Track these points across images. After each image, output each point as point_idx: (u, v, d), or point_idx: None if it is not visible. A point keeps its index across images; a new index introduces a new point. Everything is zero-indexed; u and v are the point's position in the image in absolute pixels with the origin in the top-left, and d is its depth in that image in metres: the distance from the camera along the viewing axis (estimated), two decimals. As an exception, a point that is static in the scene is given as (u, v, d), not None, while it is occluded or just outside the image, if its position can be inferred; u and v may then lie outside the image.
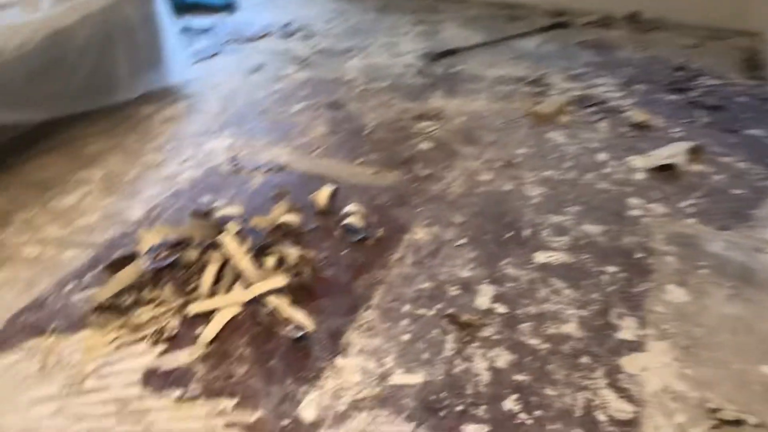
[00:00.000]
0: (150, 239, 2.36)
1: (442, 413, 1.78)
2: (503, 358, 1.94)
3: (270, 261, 2.25)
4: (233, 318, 2.08)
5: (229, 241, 2.26)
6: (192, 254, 2.26)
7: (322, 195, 2.62)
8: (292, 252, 2.28)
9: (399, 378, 1.88)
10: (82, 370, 1.91)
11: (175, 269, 2.24)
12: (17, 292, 2.21)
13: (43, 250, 2.41)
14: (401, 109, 3.37)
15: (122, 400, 1.81)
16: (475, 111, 3.33)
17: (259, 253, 2.27)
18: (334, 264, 2.31)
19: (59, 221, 2.57)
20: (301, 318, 2.07)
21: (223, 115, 3.36)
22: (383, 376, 1.89)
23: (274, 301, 2.13)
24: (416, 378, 1.88)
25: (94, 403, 1.80)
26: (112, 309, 2.09)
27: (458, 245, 2.39)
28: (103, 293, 2.15)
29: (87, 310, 2.10)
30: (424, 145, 3.04)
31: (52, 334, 2.03)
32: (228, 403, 1.80)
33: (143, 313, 2.09)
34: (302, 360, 1.94)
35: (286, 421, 1.76)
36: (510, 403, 1.81)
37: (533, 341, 2.00)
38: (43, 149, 3.05)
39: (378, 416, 1.77)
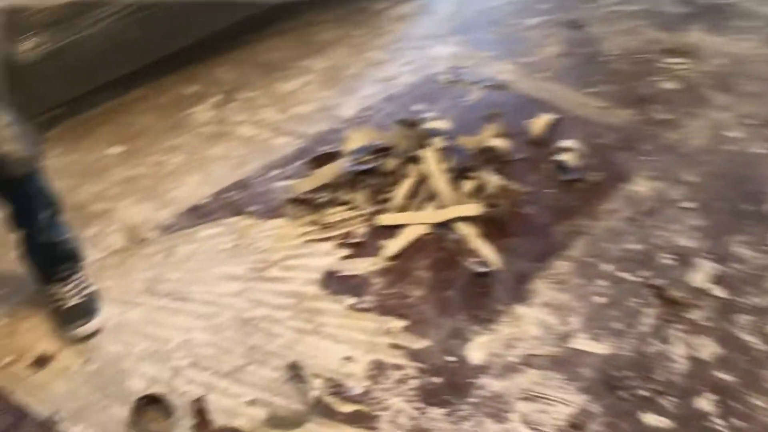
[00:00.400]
0: (356, 140, 2.33)
1: (621, 393, 1.59)
2: (708, 349, 1.68)
3: (468, 185, 2.12)
4: (419, 237, 2.01)
5: (430, 156, 2.15)
6: (392, 163, 2.20)
7: (539, 123, 2.40)
8: (493, 180, 2.13)
9: (582, 343, 1.71)
10: (270, 257, 1.96)
11: (373, 176, 2.20)
12: (229, 168, 2.31)
13: (258, 132, 2.48)
14: (650, 38, 2.97)
15: (299, 294, 1.84)
16: (739, 53, 2.84)
17: (458, 175, 2.15)
18: (536, 202, 2.12)
19: (277, 106, 2.62)
20: (488, 253, 1.94)
21: (453, 21, 3.19)
22: (564, 337, 1.72)
23: (463, 228, 2.01)
24: (601, 348, 1.69)
25: (273, 292, 1.85)
26: (308, 203, 2.11)
27: (684, 207, 2.08)
28: (302, 186, 2.17)
29: (285, 200, 2.14)
30: (668, 85, 2.66)
31: (250, 215, 2.10)
32: (397, 323, 1.76)
33: (335, 214, 2.09)
34: (480, 298, 1.83)
35: (451, 358, 1.67)
36: (704, 403, 1.57)
37: (750, 338, 1.70)
38: (276, 31, 3.11)
39: (549, 378, 1.63)
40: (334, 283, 1.88)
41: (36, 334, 1.74)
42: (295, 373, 1.63)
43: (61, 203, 1.75)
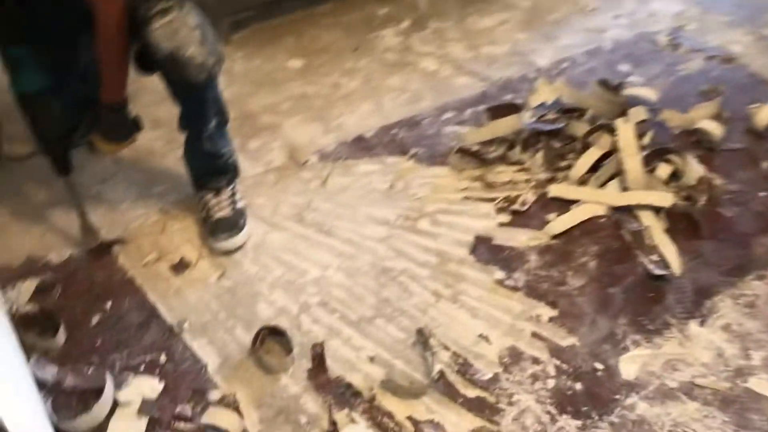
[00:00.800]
0: (544, 95, 2.09)
1: (799, 460, 1.31)
2: None
3: (663, 170, 1.83)
4: (592, 218, 1.77)
5: (625, 129, 1.87)
6: (580, 128, 1.94)
7: (767, 111, 2.02)
8: (695, 169, 1.82)
9: (761, 385, 1.42)
10: (423, 207, 1.82)
11: (555, 138, 1.96)
12: (402, 101, 2.17)
13: (440, 68, 2.31)
14: None
15: (445, 255, 1.69)
16: None
17: (654, 156, 1.86)
18: (742, 204, 1.80)
19: (467, 42, 2.43)
20: (670, 253, 1.67)
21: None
22: (740, 372, 1.44)
23: (647, 219, 1.74)
24: (786, 398, 1.40)
25: (418, 246, 1.72)
26: (476, 156, 1.93)
27: None
28: (474, 135, 1.99)
29: (452, 147, 1.97)
30: None
31: (411, 158, 1.96)
32: (545, 312, 1.56)
33: (503, 173, 1.90)
34: (650, 304, 1.58)
35: (599, 365, 1.46)
36: None
37: None
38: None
39: (710, 416, 1.37)
40: (485, 250, 1.71)
41: (182, 237, 1.75)
42: (423, 339, 1.50)
43: (227, 114, 1.72)
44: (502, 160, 1.93)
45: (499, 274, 1.65)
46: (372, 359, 1.48)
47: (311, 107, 2.15)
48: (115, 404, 1.39)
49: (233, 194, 1.76)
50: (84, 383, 1.41)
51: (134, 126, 1.69)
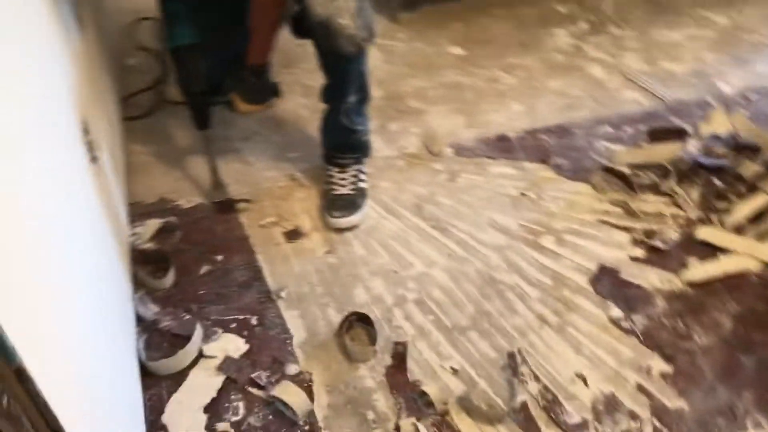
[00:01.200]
0: (718, 125, 1.87)
1: None
2: None
3: (844, 235, 1.57)
4: (741, 273, 1.56)
5: (806, 179, 1.62)
6: (750, 169, 1.71)
7: None
8: None
9: None
10: (551, 223, 1.69)
11: (720, 175, 1.74)
12: (558, 107, 2.04)
13: (609, 77, 2.14)
14: None
15: (561, 278, 1.57)
16: None
17: (836, 217, 1.60)
18: None
19: (646, 54, 2.23)
20: (828, 333, 1.42)
21: None
22: None
23: (808, 287, 1.50)
24: None
25: (535, 264, 1.60)
26: (624, 179, 1.77)
27: None
28: (628, 156, 1.82)
29: (599, 165, 1.82)
30: None
31: (552, 168, 1.83)
32: (658, 365, 1.40)
33: (650, 203, 1.72)
34: (786, 385, 1.36)
35: (707, 439, 1.28)
36: None
37: None
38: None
39: None
40: (608, 283, 1.56)
41: (303, 205, 1.76)
42: (514, 363, 1.40)
43: (369, 92, 1.70)
44: (653, 188, 1.75)
45: (616, 312, 1.50)
46: (455, 372, 1.40)
47: (461, 98, 2.08)
48: (200, 355, 1.43)
49: (358, 173, 1.74)
50: (177, 328, 1.46)
51: (273, 91, 1.72)
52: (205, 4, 1.60)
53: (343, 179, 1.72)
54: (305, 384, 1.39)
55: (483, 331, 1.47)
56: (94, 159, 1.32)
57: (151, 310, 1.50)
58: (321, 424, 1.32)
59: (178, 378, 1.40)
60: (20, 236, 0.80)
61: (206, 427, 1.32)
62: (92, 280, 1.18)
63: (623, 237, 1.65)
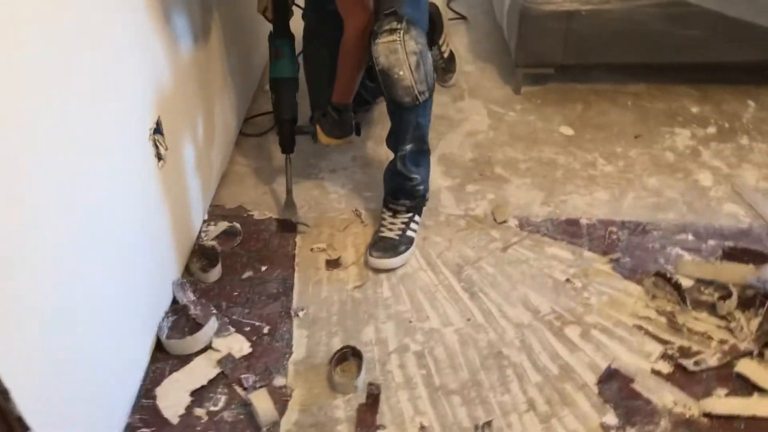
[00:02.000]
0: (812, 258, 1.69)
1: None
2: None
3: None
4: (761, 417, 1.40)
5: None
6: (825, 313, 1.53)
7: None
8: None
9: None
10: (584, 315, 1.64)
11: (788, 312, 1.58)
12: (644, 204, 1.95)
13: (715, 187, 2.01)
14: None
15: (569, 371, 1.51)
16: None
17: None
18: None
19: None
20: None
21: None
22: None
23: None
24: None
25: (548, 350, 1.56)
26: (678, 289, 1.65)
27: None
28: (692, 269, 1.72)
29: (658, 270, 1.72)
30: None
31: (610, 262, 1.77)
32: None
33: (700, 322, 1.60)
34: None
35: None
36: None
37: None
38: None
39: None
40: (616, 389, 1.48)
41: (354, 240, 1.87)
42: (482, 437, 1.38)
43: (427, 144, 1.78)
44: (709, 308, 1.63)
45: (612, 420, 1.42)
46: (423, 428, 1.41)
47: (549, 175, 2.07)
48: (209, 346, 1.58)
49: (409, 221, 1.81)
50: (201, 318, 1.63)
51: (352, 129, 1.86)
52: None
53: (393, 224, 1.80)
54: (284, 398, 1.48)
55: (467, 398, 1.47)
56: (159, 156, 1.54)
57: (187, 297, 1.68)
58: (280, 437, 1.40)
59: (184, 360, 1.56)
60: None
61: (186, 408, 1.47)
62: (123, 255, 1.39)
63: (655, 348, 1.56)
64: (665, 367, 1.51)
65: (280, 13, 1.85)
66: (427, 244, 1.85)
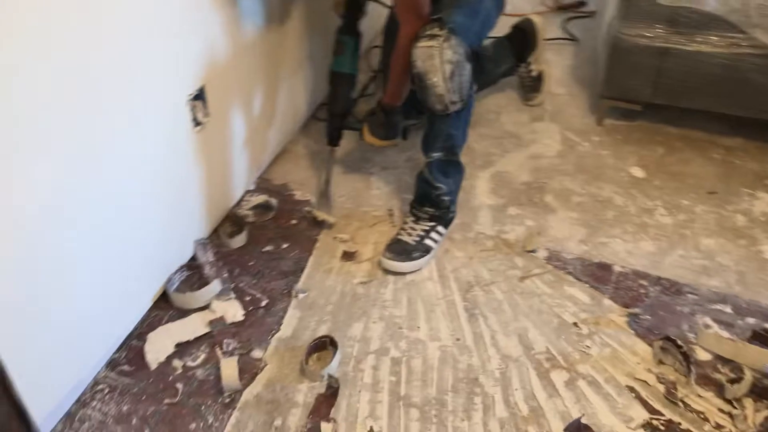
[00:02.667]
0: None
1: None
2: None
3: None
4: None
5: None
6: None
7: None
8: None
9: None
10: (578, 363, 1.56)
11: (805, 413, 1.42)
12: (689, 265, 1.81)
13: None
14: None
15: (537, 414, 1.45)
16: None
17: None
18: None
19: None
20: None
21: None
22: None
23: None
24: None
25: (525, 388, 1.50)
26: (687, 360, 1.53)
27: None
28: (710, 342, 1.59)
29: (674, 336, 1.59)
30: None
31: (627, 316, 1.67)
32: None
33: (702, 400, 1.48)
34: None
35: None
36: None
37: None
38: None
39: None
40: (580, 445, 1.40)
41: (377, 238, 1.89)
42: (423, 457, 1.37)
43: (458, 156, 1.77)
44: (717, 387, 1.50)
45: (563, 476, 1.35)
46: (371, 432, 1.42)
47: (600, 215, 1.97)
48: (206, 306, 1.68)
49: (430, 230, 1.80)
50: (211, 278, 1.73)
51: (397, 133, 1.87)
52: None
53: (413, 229, 1.81)
54: (254, 370, 1.54)
55: (425, 415, 1.45)
56: (196, 121, 1.65)
57: (205, 257, 1.79)
58: (238, 405, 1.47)
59: (182, 314, 1.66)
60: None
61: (167, 357, 1.57)
62: (146, 204, 1.51)
63: (640, 415, 1.46)
64: (648, 437, 1.42)
65: (350, 11, 1.90)
66: (447, 256, 1.84)
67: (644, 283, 1.76)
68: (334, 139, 1.98)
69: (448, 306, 1.71)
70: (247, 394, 1.49)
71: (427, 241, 1.80)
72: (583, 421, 1.44)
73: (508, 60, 2.31)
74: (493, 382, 1.53)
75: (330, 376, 1.51)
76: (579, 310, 1.69)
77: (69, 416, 1.44)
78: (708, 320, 1.66)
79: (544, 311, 1.69)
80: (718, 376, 1.53)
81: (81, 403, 1.47)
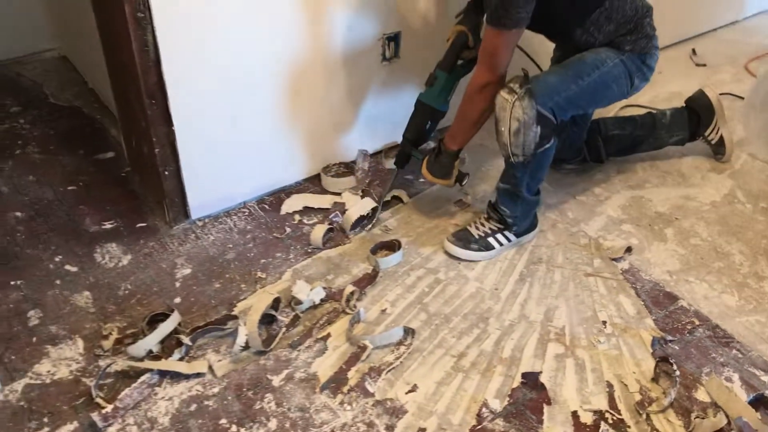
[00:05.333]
0: None
1: None
2: None
3: None
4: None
5: None
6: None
7: None
8: None
9: None
10: (569, 343, 1.73)
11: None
12: (760, 335, 1.79)
13: None
14: None
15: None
16: None
17: None
18: None
19: None
20: None
21: None
22: None
23: None
24: None
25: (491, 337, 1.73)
26: (674, 383, 1.60)
27: None
28: (714, 388, 1.61)
29: (692, 370, 1.65)
30: None
31: (659, 340, 1.75)
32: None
33: (666, 423, 1.55)
34: None
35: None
36: None
37: None
38: None
39: None
40: (526, 398, 1.60)
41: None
42: (405, 341, 1.71)
43: (520, 194, 1.91)
44: (687, 418, 1.55)
45: (495, 405, 1.58)
46: (383, 312, 1.80)
47: (707, 260, 1.99)
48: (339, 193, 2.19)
49: (497, 230, 1.98)
50: (355, 177, 2.24)
51: (450, 175, 2.01)
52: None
53: (482, 224, 1.99)
54: (340, 243, 2.01)
55: (429, 321, 1.79)
56: (384, 56, 2.16)
57: (361, 164, 2.28)
58: (313, 256, 1.96)
59: (322, 191, 2.21)
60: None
61: (294, 211, 2.12)
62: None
63: (600, 404, 1.59)
64: (589, 419, 1.56)
65: (455, 49, 1.97)
66: (538, 235, 2.07)
67: (697, 322, 1.80)
68: (400, 162, 2.11)
69: (508, 265, 1.97)
70: (323, 253, 1.98)
71: (491, 240, 1.97)
72: (542, 380, 1.63)
73: (681, 132, 2.32)
74: (498, 326, 1.78)
75: (377, 263, 1.91)
76: (617, 315, 1.82)
77: (213, 217, 2.08)
78: (735, 377, 1.66)
79: (585, 303, 1.85)
80: (696, 413, 1.56)
81: (226, 212, 2.10)
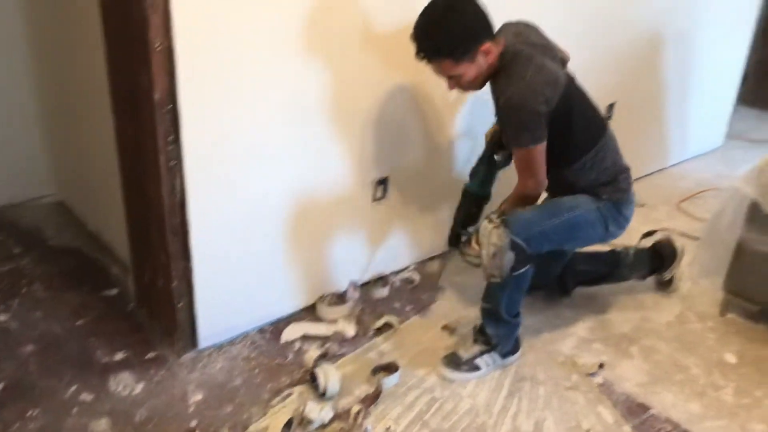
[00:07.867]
0: None
1: None
2: None
3: None
4: None
5: None
6: None
7: None
8: None
9: None
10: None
11: None
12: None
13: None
14: None
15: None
16: None
17: None
18: None
19: None
20: None
21: None
22: None
23: None
24: None
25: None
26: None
27: None
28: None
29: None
30: None
31: (630, 439, 1.94)
32: None
33: None
34: None
35: None
36: None
37: None
38: None
39: None
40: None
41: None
42: None
43: (498, 315, 2.13)
44: None
45: None
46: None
47: (669, 373, 2.22)
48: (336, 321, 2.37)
49: (482, 353, 2.17)
50: (347, 305, 2.43)
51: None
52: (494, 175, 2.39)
53: (471, 347, 2.19)
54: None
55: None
56: (374, 198, 2.43)
57: (352, 295, 2.49)
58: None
59: (317, 319, 2.38)
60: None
61: (293, 339, 2.28)
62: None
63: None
64: None
65: (490, 147, 2.28)
66: (520, 356, 2.28)
67: (669, 428, 2.00)
68: (451, 241, 2.39)
69: (497, 383, 2.15)
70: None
71: (478, 361, 2.16)
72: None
73: (642, 270, 2.62)
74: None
75: (381, 383, 2.07)
76: (598, 424, 2.01)
77: (217, 346, 2.22)
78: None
79: (569, 414, 2.04)
80: None
81: (230, 341, 2.25)
